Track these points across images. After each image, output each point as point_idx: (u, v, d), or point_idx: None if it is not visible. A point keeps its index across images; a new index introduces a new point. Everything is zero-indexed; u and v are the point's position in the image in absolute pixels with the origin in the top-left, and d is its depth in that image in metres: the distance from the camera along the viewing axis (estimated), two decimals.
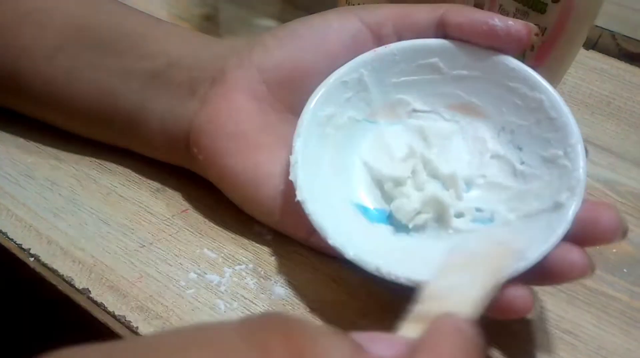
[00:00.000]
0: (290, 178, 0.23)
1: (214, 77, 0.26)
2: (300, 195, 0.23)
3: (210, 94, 0.26)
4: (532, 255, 0.21)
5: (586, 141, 0.34)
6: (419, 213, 0.24)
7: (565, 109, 0.23)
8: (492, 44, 0.24)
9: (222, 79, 0.26)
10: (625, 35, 0.43)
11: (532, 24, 0.24)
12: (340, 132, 0.26)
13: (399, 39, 0.26)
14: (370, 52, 0.25)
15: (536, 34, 0.24)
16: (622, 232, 0.21)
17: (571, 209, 0.21)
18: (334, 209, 0.24)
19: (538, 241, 0.21)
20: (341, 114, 0.26)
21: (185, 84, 0.26)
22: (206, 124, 0.25)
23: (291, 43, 0.25)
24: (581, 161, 0.22)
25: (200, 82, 0.26)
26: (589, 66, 0.41)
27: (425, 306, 0.18)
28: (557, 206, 0.22)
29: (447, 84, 0.26)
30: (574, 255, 0.21)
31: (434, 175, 0.25)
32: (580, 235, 0.21)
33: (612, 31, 0.43)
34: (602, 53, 0.43)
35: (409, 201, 0.24)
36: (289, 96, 0.25)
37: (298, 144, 0.24)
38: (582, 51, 0.43)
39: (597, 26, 0.43)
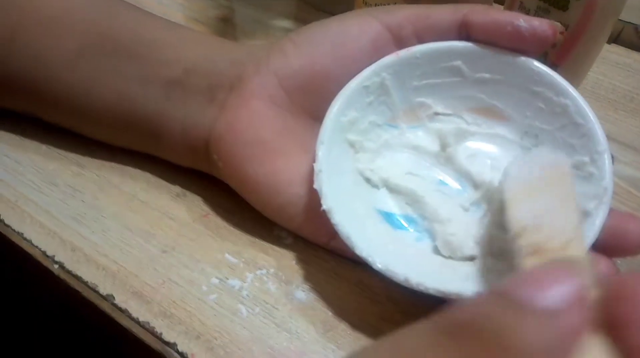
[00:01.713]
0: (315, 186, 0.23)
1: (231, 83, 0.26)
2: (326, 204, 0.23)
3: (228, 100, 0.26)
4: None
5: (609, 138, 0.34)
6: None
7: (592, 115, 0.23)
8: (517, 45, 0.24)
9: (240, 85, 0.26)
10: None
11: (557, 23, 0.24)
12: (362, 137, 0.26)
13: (420, 41, 0.25)
14: (392, 55, 0.25)
15: (561, 33, 0.24)
16: None
17: (599, 218, 0.21)
18: (359, 216, 0.24)
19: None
20: (363, 119, 0.26)
21: (204, 90, 0.26)
22: (225, 131, 0.25)
23: (309, 49, 0.25)
24: (608, 169, 0.22)
25: (218, 89, 0.26)
26: (611, 61, 0.40)
27: (529, 240, 0.16)
28: (585, 215, 0.22)
29: (469, 87, 0.26)
30: (601, 266, 0.21)
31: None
32: (608, 245, 0.21)
33: (634, 24, 0.42)
34: (624, 47, 0.42)
35: (456, 237, 0.24)
36: (308, 101, 0.25)
37: (321, 152, 0.24)
38: (604, 45, 0.42)
39: (619, 19, 0.42)
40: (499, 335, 0.11)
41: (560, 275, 0.12)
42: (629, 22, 0.42)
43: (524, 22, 0.23)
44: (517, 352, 0.11)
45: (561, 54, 0.29)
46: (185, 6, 0.43)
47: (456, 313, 0.12)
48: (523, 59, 0.24)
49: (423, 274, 0.21)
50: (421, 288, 0.21)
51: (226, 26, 0.41)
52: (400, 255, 0.23)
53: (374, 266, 0.22)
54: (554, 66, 0.28)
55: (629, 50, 0.41)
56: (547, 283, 0.12)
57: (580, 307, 0.12)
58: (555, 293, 0.12)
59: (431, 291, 0.21)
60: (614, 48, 0.42)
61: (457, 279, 0.22)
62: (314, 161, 0.24)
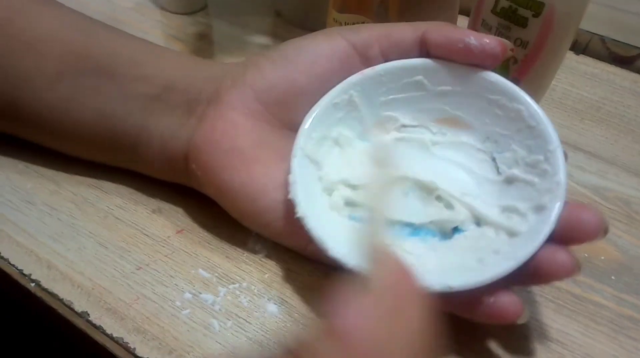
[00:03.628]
0: (290, 196, 0.24)
1: (209, 98, 0.27)
2: (300, 212, 0.24)
3: (206, 113, 0.27)
4: (520, 255, 0.22)
5: (575, 148, 0.35)
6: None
7: (543, 117, 0.24)
8: (469, 61, 0.25)
9: (217, 99, 0.27)
10: (615, 39, 0.43)
11: (506, 41, 0.25)
12: (334, 149, 0.27)
13: (385, 58, 0.27)
14: (358, 74, 0.26)
15: (511, 50, 0.25)
16: (603, 230, 0.22)
17: (554, 212, 0.22)
18: (332, 222, 0.25)
19: (524, 242, 0.22)
20: (334, 134, 0.27)
21: (183, 105, 0.27)
22: (203, 141, 0.26)
23: (284, 66, 0.26)
24: (561, 165, 0.23)
25: (196, 103, 0.27)
26: (579, 71, 0.42)
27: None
28: (541, 208, 0.23)
29: (432, 100, 0.27)
30: (560, 254, 0.22)
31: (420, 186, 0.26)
32: (565, 235, 0.22)
33: (601, 35, 0.43)
34: (592, 57, 0.43)
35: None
36: (283, 113, 0.26)
37: (294, 164, 0.25)
38: (572, 56, 0.43)
39: (586, 30, 0.43)
40: None
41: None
42: (596, 34, 0.43)
43: (475, 39, 0.25)
44: None
45: (522, 69, 0.30)
46: (163, 23, 0.43)
47: None
48: (478, 71, 0.26)
49: None
50: None
51: (204, 43, 0.42)
52: None
53: (347, 267, 0.23)
54: (516, 80, 0.29)
55: (596, 60, 0.43)
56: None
57: None
58: None
59: None
60: (582, 59, 0.43)
61: (427, 272, 0.23)
62: (289, 172, 0.25)
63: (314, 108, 0.26)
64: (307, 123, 0.26)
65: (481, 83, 0.26)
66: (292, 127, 0.26)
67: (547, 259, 0.22)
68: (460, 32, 0.25)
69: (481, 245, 0.24)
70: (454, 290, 0.22)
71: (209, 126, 0.26)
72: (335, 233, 0.24)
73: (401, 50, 0.26)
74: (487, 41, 0.24)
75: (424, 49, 0.26)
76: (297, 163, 0.25)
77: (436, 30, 0.25)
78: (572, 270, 0.22)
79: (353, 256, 0.23)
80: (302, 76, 0.26)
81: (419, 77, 0.27)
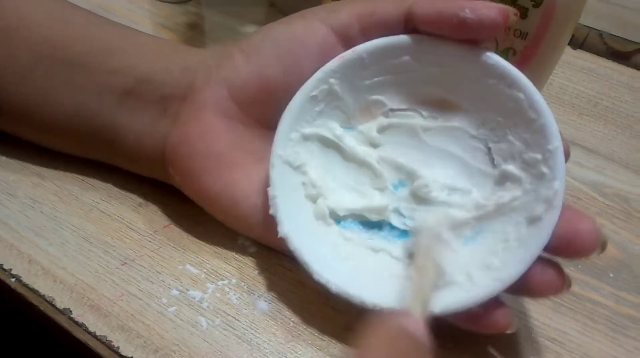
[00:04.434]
0: (271, 212, 0.23)
1: (183, 93, 0.25)
2: (282, 231, 0.23)
3: (180, 113, 0.25)
4: (508, 275, 0.21)
5: (572, 143, 0.35)
6: None
7: (545, 109, 0.22)
8: (465, 36, 0.23)
9: (191, 96, 0.25)
10: (612, 34, 0.42)
11: (508, 7, 0.22)
12: (316, 149, 0.25)
13: (367, 38, 0.24)
14: (336, 58, 0.24)
15: (515, 14, 0.22)
16: (600, 246, 0.20)
17: (548, 224, 0.21)
18: (319, 235, 0.24)
19: (514, 259, 0.21)
20: (315, 129, 0.25)
21: (156, 101, 0.26)
22: (179, 146, 0.25)
23: (257, 59, 0.24)
24: (560, 170, 0.21)
25: (170, 100, 0.26)
26: (576, 66, 0.41)
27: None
28: (534, 220, 0.21)
29: (421, 82, 0.25)
30: (549, 272, 0.21)
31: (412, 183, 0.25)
32: (558, 248, 0.21)
33: (599, 30, 0.42)
34: (590, 52, 0.42)
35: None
36: (259, 112, 0.25)
37: (274, 175, 0.24)
38: (570, 51, 0.43)
39: (584, 25, 0.43)
40: None
41: None
42: (594, 29, 0.43)
43: (470, 12, 0.22)
44: None
45: (522, 61, 0.29)
46: (153, 12, 0.42)
47: None
48: (474, 49, 0.23)
49: (380, 293, 0.22)
50: (377, 308, 0.22)
51: (195, 33, 0.41)
52: (358, 271, 0.23)
53: (331, 291, 0.22)
54: None
55: (594, 55, 0.42)
56: None
57: None
58: None
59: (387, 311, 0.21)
60: (580, 54, 0.42)
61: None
62: (268, 184, 0.24)
63: (289, 106, 0.24)
64: (283, 124, 0.24)
65: (477, 64, 0.23)
66: (268, 126, 0.25)
67: (536, 278, 0.21)
68: (452, 3, 0.22)
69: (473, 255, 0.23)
70: (437, 314, 0.21)
71: (184, 129, 0.25)
72: (321, 250, 0.23)
73: (384, 27, 0.24)
74: (486, 12, 0.22)
75: (410, 25, 0.24)
76: (276, 174, 0.24)
77: (425, 3, 0.23)
78: (560, 289, 0.21)
79: (336, 280, 0.22)
80: (276, 69, 0.24)
81: (406, 58, 0.24)
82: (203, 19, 0.43)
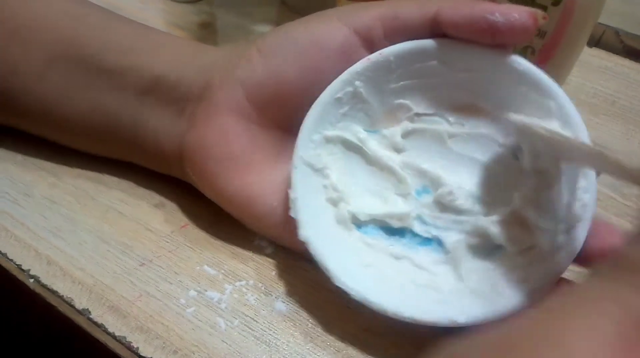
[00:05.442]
0: (291, 214, 0.23)
1: (200, 94, 0.25)
2: (303, 234, 0.23)
3: (197, 114, 0.25)
4: (533, 288, 0.21)
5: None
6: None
7: (577, 121, 0.22)
8: (495, 41, 0.22)
9: (208, 97, 0.25)
10: (629, 32, 0.42)
11: (537, 10, 0.22)
12: (338, 152, 0.25)
13: (391, 41, 0.24)
14: (363, 61, 0.24)
15: (544, 18, 0.22)
16: None
17: (577, 239, 0.20)
18: (339, 240, 0.24)
19: (537, 276, 0.21)
20: (338, 132, 0.25)
21: (174, 101, 0.26)
22: (195, 147, 0.25)
23: (274, 59, 0.24)
24: (592, 181, 0.21)
25: (187, 101, 0.26)
26: (592, 65, 0.41)
27: None
28: (565, 232, 0.21)
29: (449, 86, 0.25)
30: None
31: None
32: (587, 260, 0.21)
33: (615, 28, 0.42)
34: (606, 50, 0.42)
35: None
36: (276, 114, 0.25)
37: (295, 177, 0.23)
38: (585, 49, 0.42)
39: (600, 23, 0.42)
40: None
41: None
42: (610, 26, 0.42)
43: (500, 16, 0.21)
44: None
45: (540, 60, 0.29)
46: (166, 11, 0.42)
47: None
48: (503, 53, 0.23)
49: (401, 301, 0.22)
50: (398, 317, 0.21)
51: (207, 32, 0.41)
52: (380, 278, 0.23)
53: (350, 296, 0.22)
54: None
55: (610, 53, 0.42)
56: None
57: None
58: None
59: (407, 320, 0.21)
60: (596, 52, 0.42)
61: (435, 302, 0.22)
62: (289, 186, 0.24)
63: (312, 107, 0.24)
64: (306, 126, 0.24)
65: (507, 70, 0.23)
66: (285, 128, 0.25)
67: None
68: (480, 7, 0.22)
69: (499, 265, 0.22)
70: (460, 325, 0.20)
71: (201, 131, 0.25)
72: (342, 255, 0.23)
73: (408, 31, 0.23)
74: (517, 16, 0.21)
75: (436, 29, 0.23)
76: (298, 176, 0.23)
77: (451, 8, 0.22)
78: None
79: (357, 287, 0.22)
80: (294, 70, 0.24)
81: (433, 63, 0.24)
82: (215, 18, 0.43)
